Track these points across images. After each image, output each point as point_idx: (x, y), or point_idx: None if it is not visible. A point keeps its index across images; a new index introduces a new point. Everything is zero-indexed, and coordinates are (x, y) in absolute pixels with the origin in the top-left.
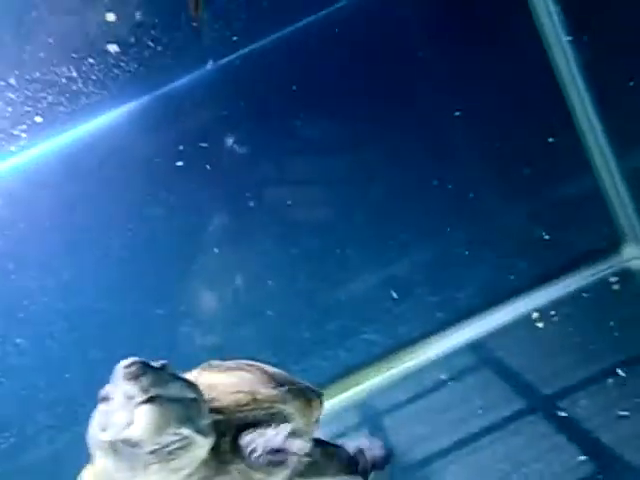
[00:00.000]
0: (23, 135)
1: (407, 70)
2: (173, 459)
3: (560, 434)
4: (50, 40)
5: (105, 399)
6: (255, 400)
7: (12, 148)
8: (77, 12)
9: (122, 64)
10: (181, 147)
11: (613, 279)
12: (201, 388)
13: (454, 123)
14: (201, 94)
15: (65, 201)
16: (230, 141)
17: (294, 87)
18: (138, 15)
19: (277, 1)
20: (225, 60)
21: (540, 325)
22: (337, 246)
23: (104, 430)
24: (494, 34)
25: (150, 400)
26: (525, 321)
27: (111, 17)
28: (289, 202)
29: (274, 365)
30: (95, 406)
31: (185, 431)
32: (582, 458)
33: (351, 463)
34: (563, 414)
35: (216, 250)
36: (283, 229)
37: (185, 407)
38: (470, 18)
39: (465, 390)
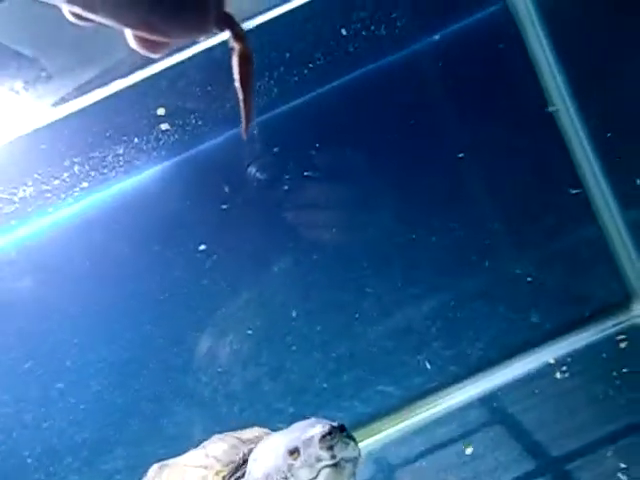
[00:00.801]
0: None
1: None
2: None
3: None
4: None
5: (294, 453)
6: None
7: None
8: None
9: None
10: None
11: (621, 336)
12: None
13: (462, 170)
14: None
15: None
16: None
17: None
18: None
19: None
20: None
21: (552, 380)
22: (351, 298)
23: (284, 478)
24: (501, 100)
25: (336, 465)
26: (535, 377)
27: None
28: (303, 258)
29: (291, 416)
30: None
31: None
32: None
33: None
34: (571, 475)
35: (233, 304)
36: (298, 282)
37: (355, 465)
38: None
39: (477, 446)
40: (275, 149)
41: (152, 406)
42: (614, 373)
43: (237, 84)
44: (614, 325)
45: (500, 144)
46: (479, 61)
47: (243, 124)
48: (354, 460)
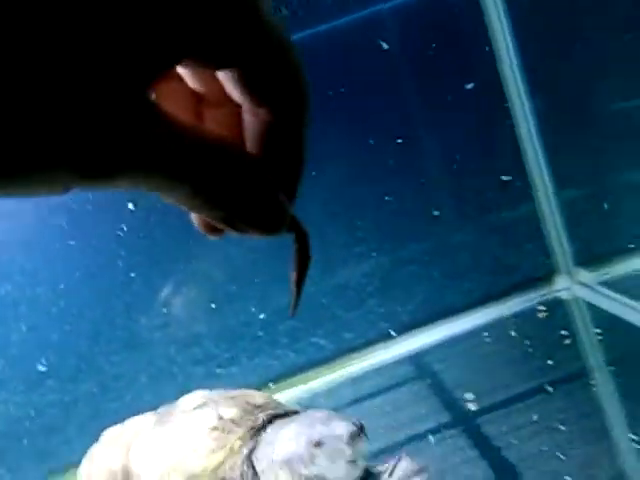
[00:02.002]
0: None
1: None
2: None
3: (477, 448)
4: None
5: (318, 444)
6: None
7: None
8: None
9: None
10: None
11: (542, 307)
12: None
13: (412, 138)
14: None
15: None
16: None
17: None
18: None
19: None
20: None
21: (474, 344)
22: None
23: (306, 466)
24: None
25: (354, 461)
26: (461, 339)
27: None
28: None
29: (229, 359)
30: None
31: None
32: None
33: None
34: (486, 429)
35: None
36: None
37: (365, 460)
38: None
39: (400, 398)
40: None
41: (89, 344)
42: (531, 341)
43: (293, 278)
44: (537, 297)
45: (447, 115)
46: (433, 29)
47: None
48: (366, 456)
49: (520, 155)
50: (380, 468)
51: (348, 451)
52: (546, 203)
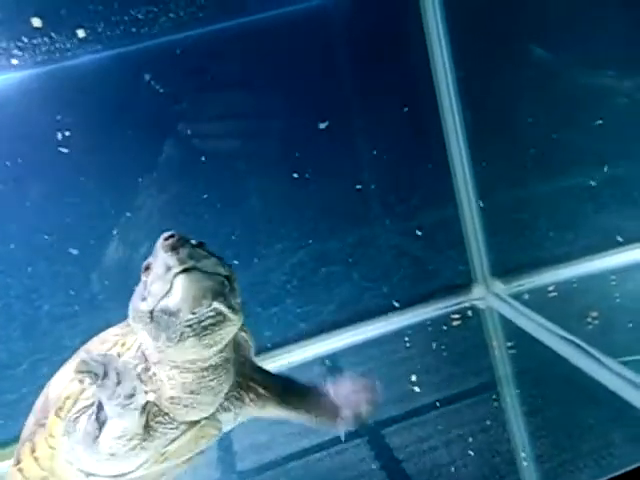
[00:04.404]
0: None
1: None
2: (207, 334)
3: (377, 460)
4: None
5: (147, 269)
6: None
7: None
8: None
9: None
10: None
11: (457, 315)
12: None
13: (339, 138)
14: None
15: None
16: None
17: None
18: None
19: None
20: None
21: (389, 348)
22: (216, 246)
23: (144, 300)
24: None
25: (187, 271)
26: (377, 342)
27: None
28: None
29: None
30: None
31: (218, 306)
32: None
33: None
34: (386, 441)
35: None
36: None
37: (219, 283)
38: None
39: None
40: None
41: None
42: (443, 347)
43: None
44: (454, 305)
45: (378, 115)
46: (373, 30)
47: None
48: (214, 276)
49: (447, 163)
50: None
51: (171, 260)
52: (468, 212)
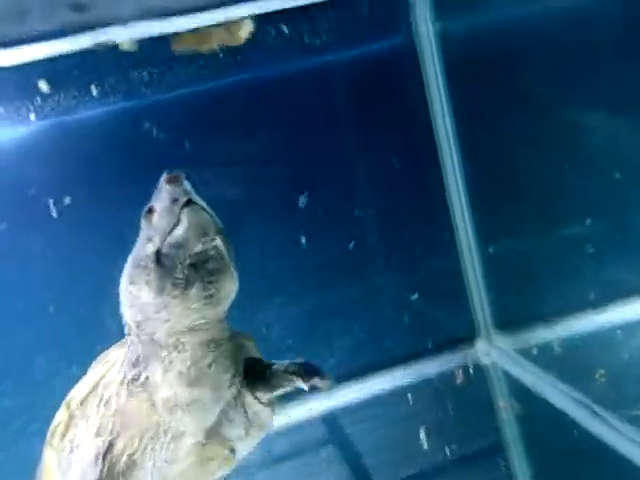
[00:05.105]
0: None
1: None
2: (210, 281)
3: None
4: None
5: (150, 211)
6: None
7: None
8: None
9: None
10: None
11: (460, 372)
12: None
13: (344, 191)
14: None
15: None
16: None
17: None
18: None
19: None
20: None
21: (391, 406)
22: None
23: (150, 241)
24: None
25: (192, 203)
26: (378, 400)
27: None
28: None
29: None
30: None
31: (220, 244)
32: None
33: None
34: None
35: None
36: None
37: (219, 221)
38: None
39: (310, 465)
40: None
41: None
42: (447, 405)
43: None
44: (457, 359)
45: (379, 171)
46: (373, 86)
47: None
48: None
49: (449, 214)
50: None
51: (178, 191)
52: (470, 263)
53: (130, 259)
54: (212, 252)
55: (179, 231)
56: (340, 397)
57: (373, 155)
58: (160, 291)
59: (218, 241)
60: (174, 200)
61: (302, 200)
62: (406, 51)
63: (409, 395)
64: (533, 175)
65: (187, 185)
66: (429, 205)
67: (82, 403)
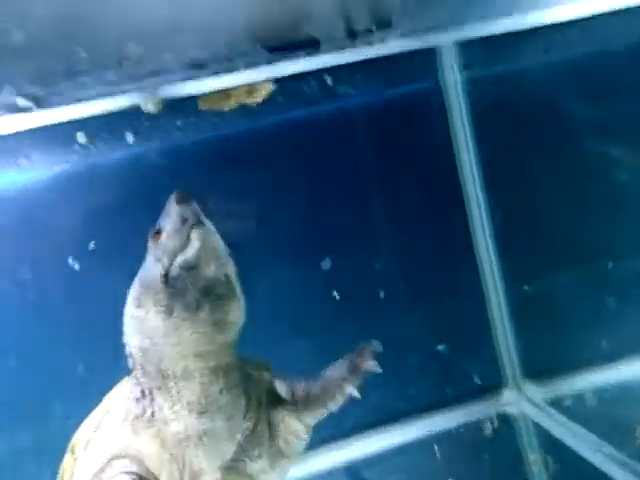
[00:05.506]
0: None
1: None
2: (219, 304)
3: None
4: None
5: (158, 232)
6: None
7: None
8: None
9: None
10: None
11: (488, 423)
12: None
13: (365, 236)
14: None
15: None
16: None
17: None
18: None
19: None
20: None
21: (417, 457)
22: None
23: (158, 261)
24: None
25: (202, 224)
26: (404, 450)
27: None
28: None
29: None
30: None
31: (230, 269)
32: None
33: None
34: None
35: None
36: None
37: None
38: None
39: None
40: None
41: None
42: (475, 458)
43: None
44: (485, 409)
45: (408, 214)
46: (398, 133)
47: None
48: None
49: (475, 260)
50: None
51: (187, 211)
52: (497, 309)
53: (136, 282)
54: (222, 276)
55: (190, 252)
56: (363, 447)
57: (398, 201)
58: (169, 312)
59: (228, 265)
60: (184, 220)
61: (326, 264)
62: (432, 98)
63: (435, 446)
64: (561, 218)
65: (196, 206)
66: (455, 251)
67: (86, 447)
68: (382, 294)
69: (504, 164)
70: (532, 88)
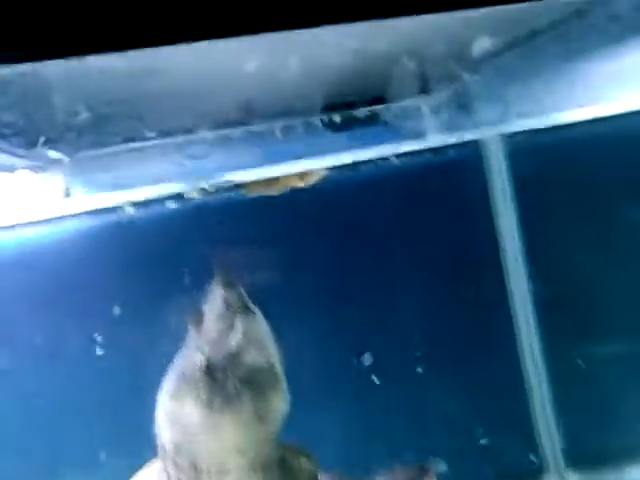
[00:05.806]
0: None
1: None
2: (262, 393)
3: None
4: None
5: (199, 317)
6: None
7: None
8: None
9: None
10: None
11: None
12: None
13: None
14: None
15: None
16: None
17: None
18: None
19: None
20: None
21: None
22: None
23: (199, 349)
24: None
25: (248, 309)
26: None
27: None
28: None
29: None
30: None
31: (275, 357)
32: None
33: None
34: None
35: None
36: None
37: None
38: None
39: None
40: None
41: None
42: None
43: None
44: None
45: (443, 287)
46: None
47: None
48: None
49: (515, 341)
50: None
51: (232, 297)
52: (537, 391)
53: (173, 371)
54: (265, 365)
55: (234, 341)
56: None
57: (434, 275)
58: (209, 407)
59: (273, 352)
60: (228, 306)
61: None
62: (472, 165)
63: None
64: (605, 294)
65: (242, 290)
66: (494, 332)
67: None
68: (420, 370)
69: (547, 236)
70: (577, 157)
